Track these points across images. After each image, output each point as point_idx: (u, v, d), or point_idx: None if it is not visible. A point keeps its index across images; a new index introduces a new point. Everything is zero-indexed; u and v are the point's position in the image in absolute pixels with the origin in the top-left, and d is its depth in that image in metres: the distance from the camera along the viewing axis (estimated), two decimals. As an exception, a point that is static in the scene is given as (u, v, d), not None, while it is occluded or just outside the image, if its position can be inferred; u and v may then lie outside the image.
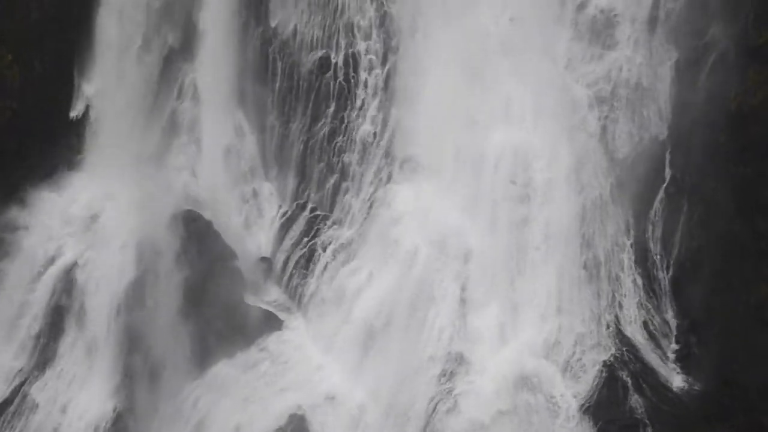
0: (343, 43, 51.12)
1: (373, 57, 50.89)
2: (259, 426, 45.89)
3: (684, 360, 44.55)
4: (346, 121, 50.68)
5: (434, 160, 48.51)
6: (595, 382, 44.43)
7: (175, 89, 52.35)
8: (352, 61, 50.91)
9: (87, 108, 52.52)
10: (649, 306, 45.72)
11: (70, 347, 48.53)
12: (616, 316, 45.59)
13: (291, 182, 51.22)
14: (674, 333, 45.23)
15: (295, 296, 49.49)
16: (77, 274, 49.20)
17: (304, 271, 49.55)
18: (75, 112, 52.53)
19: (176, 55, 52.56)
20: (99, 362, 47.94)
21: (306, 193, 50.88)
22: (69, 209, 50.84)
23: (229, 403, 46.67)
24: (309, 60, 51.43)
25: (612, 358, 44.77)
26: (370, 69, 50.80)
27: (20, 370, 48.61)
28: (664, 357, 44.79)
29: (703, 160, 44.88)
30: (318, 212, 50.42)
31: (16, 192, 50.73)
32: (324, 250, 49.50)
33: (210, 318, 47.85)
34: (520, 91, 48.45)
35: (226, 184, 51.26)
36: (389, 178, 49.55)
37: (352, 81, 50.79)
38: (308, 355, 47.68)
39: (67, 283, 49.06)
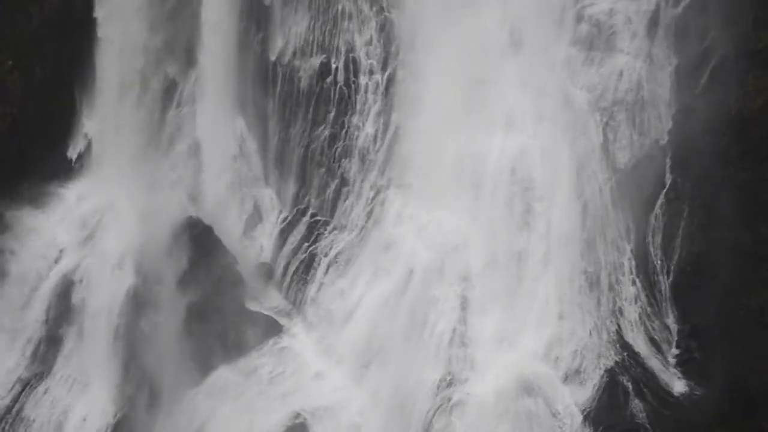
0: (343, 48, 51.17)
1: (374, 62, 50.93)
2: (259, 432, 46.06)
3: (685, 365, 44.51)
4: (346, 126, 50.72)
5: (435, 164, 48.46)
6: (596, 388, 44.42)
7: (176, 96, 52.41)
8: (353, 67, 50.96)
9: (89, 117, 52.52)
10: (650, 311, 45.69)
11: (70, 354, 48.65)
12: (617, 322, 45.57)
13: (291, 188, 51.27)
14: (675, 338, 45.19)
15: (296, 301, 49.53)
16: (78, 280, 49.26)
17: (305, 277, 49.60)
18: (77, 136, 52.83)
19: (177, 61, 52.63)
20: (99, 369, 48.03)
21: (306, 199, 50.92)
22: (69, 216, 50.95)
23: (229, 409, 46.71)
24: (309, 65, 51.46)
25: (613, 363, 44.77)
26: (371, 74, 50.84)
27: (20, 378, 48.59)
28: (665, 362, 44.76)
29: (704, 165, 44.89)
30: (318, 217, 50.46)
31: (17, 197, 50.76)
32: (324, 255, 49.56)
33: (210, 324, 47.90)
34: (521, 96, 48.51)
35: (226, 190, 51.33)
36: (390, 183, 49.56)
37: (353, 86, 50.85)
38: (308, 360, 47.74)
39: (68, 289, 49.12)
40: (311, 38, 51.66)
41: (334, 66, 51.20)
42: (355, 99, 50.86)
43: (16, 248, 50.44)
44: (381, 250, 48.43)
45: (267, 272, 50.29)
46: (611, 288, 46.06)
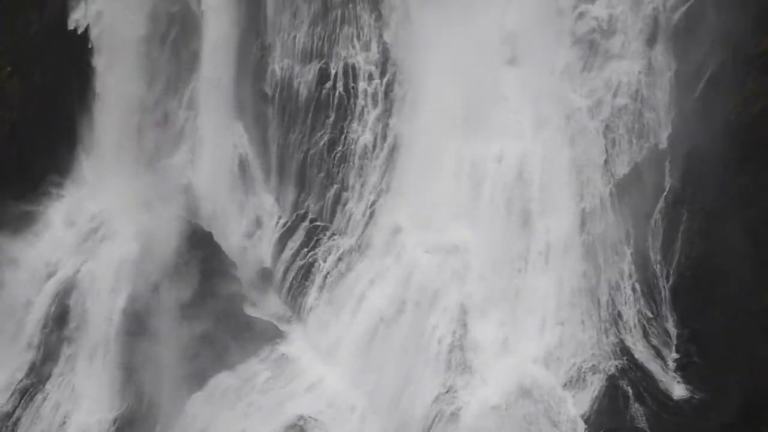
0: (342, 53, 51.22)
1: (373, 68, 50.98)
2: (260, 437, 46.02)
3: (684, 369, 44.54)
4: (345, 131, 50.75)
5: (434, 169, 48.49)
6: (596, 392, 44.44)
7: (175, 102, 52.41)
8: (352, 72, 50.99)
9: (88, 120, 52.54)
10: (650, 315, 45.72)
11: (70, 359, 48.48)
12: (617, 326, 45.56)
13: (291, 193, 51.26)
14: (675, 342, 45.22)
15: (295, 307, 49.51)
16: (77, 285, 49.17)
17: (304, 282, 49.58)
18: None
19: (177, 67, 52.67)
20: (99, 374, 47.91)
21: (306, 204, 50.91)
22: (69, 221, 50.85)
23: (229, 415, 46.66)
24: (308, 71, 51.47)
25: (613, 368, 44.77)
26: (370, 80, 50.87)
27: (21, 382, 48.44)
28: (664, 366, 44.77)
29: (703, 169, 44.94)
30: (318, 222, 50.45)
31: (17, 202, 50.69)
32: (324, 260, 49.55)
33: (210, 329, 47.82)
34: (520, 102, 48.58)
35: (226, 195, 51.28)
36: (389, 188, 49.56)
37: (352, 91, 50.87)
38: (308, 365, 47.71)
39: (67, 294, 49.05)
40: (310, 44, 51.69)
41: (332, 72, 51.25)
42: (354, 105, 50.89)
43: (13, 255, 50.36)
44: (380, 255, 48.42)
45: (266, 278, 50.27)
46: (611, 292, 46.07)
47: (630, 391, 44.18)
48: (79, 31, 52.07)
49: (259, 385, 47.52)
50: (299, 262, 49.98)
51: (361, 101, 50.86)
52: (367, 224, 49.54)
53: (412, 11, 50.49)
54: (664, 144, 47.11)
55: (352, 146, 50.54)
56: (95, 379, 48.09)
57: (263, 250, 50.86)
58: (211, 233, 49.72)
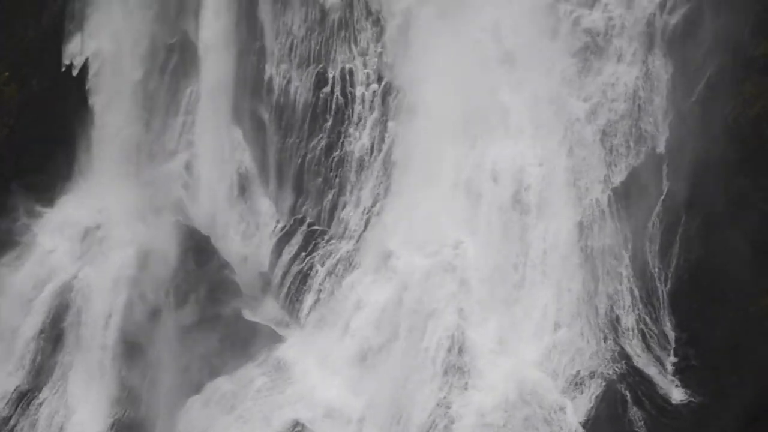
0: (339, 58, 51.25)
1: (370, 72, 51.04)
2: (258, 442, 45.93)
3: (683, 373, 44.43)
4: (343, 135, 50.79)
5: (431, 174, 48.47)
6: (594, 396, 44.32)
7: (173, 107, 52.43)
8: (349, 76, 51.00)
9: (86, 125, 52.52)
10: (648, 319, 45.62)
11: (67, 364, 48.43)
12: (615, 330, 45.48)
13: (289, 197, 51.26)
14: (673, 346, 45.12)
15: (293, 311, 49.45)
16: (75, 290, 49.12)
17: (302, 286, 49.54)
18: None
19: (175, 72, 52.68)
20: (97, 379, 47.86)
21: (304, 208, 50.92)
22: (66, 226, 50.83)
23: (226, 420, 46.52)
24: (306, 75, 51.50)
25: (611, 372, 44.67)
26: (367, 84, 50.90)
27: (18, 387, 48.37)
28: (663, 370, 44.68)
29: (701, 172, 44.85)
30: (316, 227, 50.45)
31: (14, 208, 50.66)
32: (322, 264, 49.52)
33: (208, 333, 47.77)
34: (518, 104, 48.61)
35: (223, 200, 51.29)
36: (386, 193, 49.55)
37: (349, 96, 50.89)
38: (307, 370, 47.57)
39: (65, 299, 49.00)
40: (307, 48, 51.75)
41: (330, 76, 51.30)
42: (352, 109, 50.93)
43: (12, 260, 50.32)
44: (378, 259, 48.34)
45: (264, 282, 50.24)
46: (609, 296, 46.01)
47: (628, 395, 44.05)
48: (75, 71, 52.28)
49: (255, 391, 47.35)
50: (297, 267, 49.94)
51: (358, 106, 50.89)
52: (364, 229, 49.53)
53: (409, 15, 50.55)
54: (661, 148, 47.03)
55: (350, 151, 50.56)
56: (93, 385, 47.96)
57: (261, 254, 50.85)
58: (209, 238, 49.73)
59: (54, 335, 48.85)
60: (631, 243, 46.58)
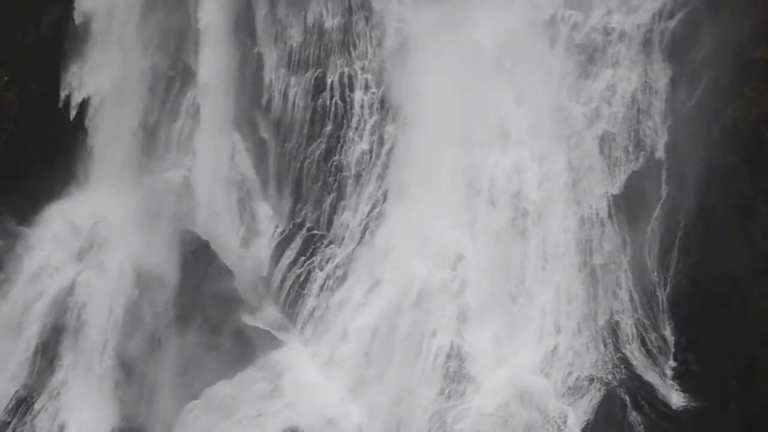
0: (338, 62, 51.27)
1: (369, 77, 51.02)
2: (256, 447, 45.85)
3: (682, 377, 44.38)
4: (342, 140, 50.76)
5: (431, 178, 48.48)
6: (594, 400, 44.27)
7: (173, 111, 52.45)
8: (348, 81, 51.01)
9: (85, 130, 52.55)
10: (647, 323, 45.59)
11: (67, 368, 48.30)
12: (614, 334, 45.44)
13: (288, 202, 51.20)
14: (672, 350, 45.08)
15: (293, 316, 49.38)
16: (74, 295, 49.05)
17: (301, 291, 49.48)
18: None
19: (174, 77, 52.73)
20: (96, 383, 47.76)
21: (303, 213, 50.85)
22: (66, 230, 50.75)
23: (226, 424, 46.45)
24: (305, 80, 51.52)
25: (610, 377, 44.63)
26: (366, 88, 50.91)
27: (17, 392, 48.31)
28: (662, 374, 44.63)
29: (700, 176, 44.87)
30: (315, 231, 50.37)
31: (14, 213, 50.65)
32: (321, 269, 49.46)
33: (207, 338, 47.70)
34: (516, 109, 48.66)
35: (223, 205, 51.25)
36: (386, 197, 49.54)
37: (348, 100, 50.89)
38: (306, 374, 47.52)
39: (64, 304, 48.89)
40: (306, 53, 51.77)
41: (329, 81, 51.29)
42: (351, 113, 50.92)
43: (11, 264, 50.32)
44: (377, 263, 48.37)
45: (264, 287, 50.17)
46: (608, 300, 45.97)
47: (628, 400, 43.99)
48: (72, 114, 52.36)
49: (256, 394, 47.28)
50: (296, 271, 49.89)
51: (357, 110, 50.90)
52: (364, 233, 49.50)
53: (407, 20, 50.61)
54: (661, 153, 47.01)
55: (349, 155, 50.55)
56: (92, 389, 47.89)
57: (260, 258, 50.75)
58: (208, 242, 49.66)
59: (54, 338, 48.72)
60: (630, 247, 46.55)
